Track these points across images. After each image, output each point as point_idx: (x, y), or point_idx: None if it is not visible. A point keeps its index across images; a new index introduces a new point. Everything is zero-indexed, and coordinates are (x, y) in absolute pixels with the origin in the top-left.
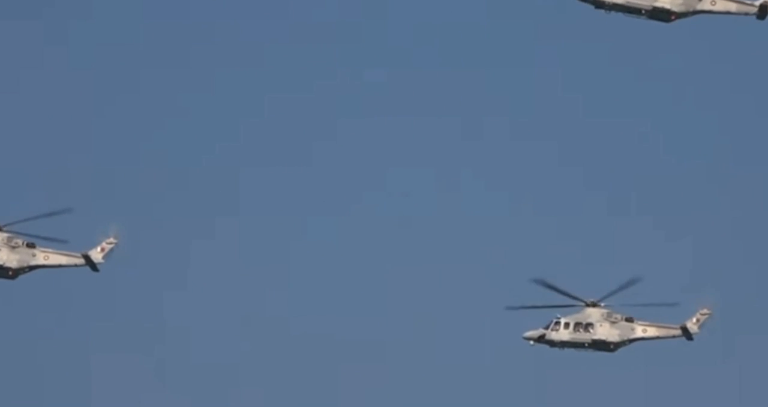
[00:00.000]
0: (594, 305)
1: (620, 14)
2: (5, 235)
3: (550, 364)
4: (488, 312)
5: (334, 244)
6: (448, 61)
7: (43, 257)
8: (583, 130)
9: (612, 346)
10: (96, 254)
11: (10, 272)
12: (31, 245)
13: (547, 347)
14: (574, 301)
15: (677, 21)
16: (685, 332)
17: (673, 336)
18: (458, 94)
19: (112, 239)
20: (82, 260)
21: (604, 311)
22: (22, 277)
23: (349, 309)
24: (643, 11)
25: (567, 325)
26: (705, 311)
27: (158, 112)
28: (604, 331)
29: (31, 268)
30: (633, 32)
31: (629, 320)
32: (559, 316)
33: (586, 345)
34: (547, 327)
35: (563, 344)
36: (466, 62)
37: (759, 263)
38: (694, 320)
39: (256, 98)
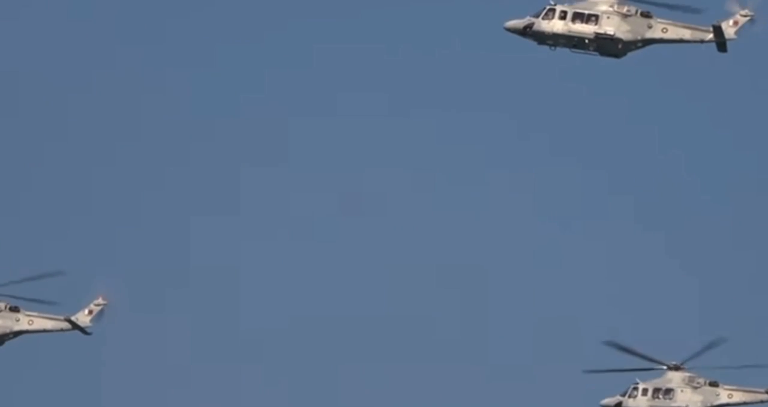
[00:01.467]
0: (677, 368)
1: (566, 50)
2: None
3: None
4: (563, 377)
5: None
6: None
7: (27, 322)
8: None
9: None
10: (83, 318)
11: None
12: (14, 309)
13: None
14: (653, 364)
15: (629, 54)
16: None
17: (761, 401)
18: None
19: (100, 301)
20: (68, 325)
21: (686, 375)
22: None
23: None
24: (587, 41)
25: (645, 391)
26: None
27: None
28: (685, 398)
29: (15, 334)
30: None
31: (714, 384)
32: (638, 381)
33: None
34: (624, 394)
35: None
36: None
37: None
38: None
39: None
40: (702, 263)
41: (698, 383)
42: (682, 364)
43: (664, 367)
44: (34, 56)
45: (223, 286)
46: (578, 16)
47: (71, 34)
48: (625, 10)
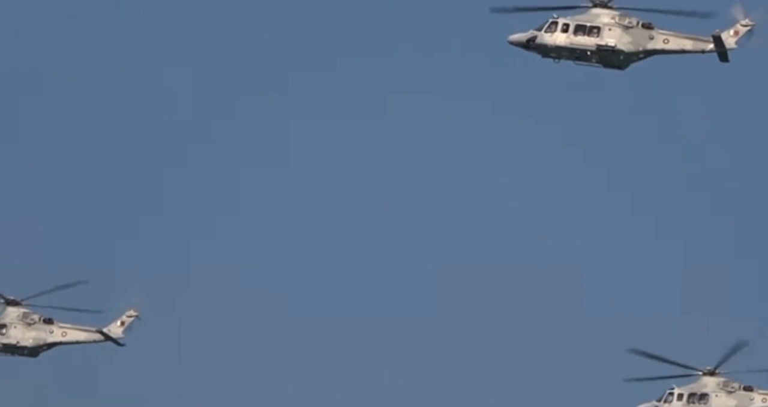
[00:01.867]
0: (712, 373)
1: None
2: (22, 311)
3: None
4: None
5: None
6: None
7: (60, 333)
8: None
9: None
10: (116, 329)
11: (26, 351)
12: (48, 321)
13: None
14: (686, 370)
15: (632, 66)
16: None
17: None
18: None
19: (132, 312)
20: (100, 337)
21: (721, 380)
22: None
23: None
24: (590, 53)
25: (681, 396)
26: None
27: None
28: (719, 402)
29: (49, 346)
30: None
31: (748, 388)
32: (673, 386)
33: None
34: (660, 399)
35: None
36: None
37: None
38: None
39: None
40: (703, 268)
41: (733, 387)
42: (716, 369)
43: (699, 372)
44: (34, 56)
45: (222, 286)
46: (580, 29)
47: (71, 34)
48: (626, 21)
